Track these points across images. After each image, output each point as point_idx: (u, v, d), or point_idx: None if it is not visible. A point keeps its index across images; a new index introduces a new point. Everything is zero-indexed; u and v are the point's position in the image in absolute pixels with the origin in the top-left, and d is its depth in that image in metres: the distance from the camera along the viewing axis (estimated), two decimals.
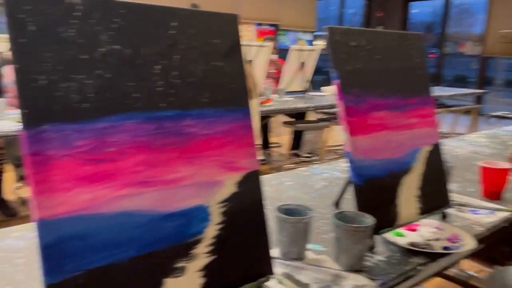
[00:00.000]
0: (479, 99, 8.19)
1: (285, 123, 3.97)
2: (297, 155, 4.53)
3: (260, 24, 7.72)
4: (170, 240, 0.65)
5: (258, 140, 4.64)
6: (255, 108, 2.18)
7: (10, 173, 3.04)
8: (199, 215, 0.68)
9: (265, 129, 4.55)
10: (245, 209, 0.75)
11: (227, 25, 0.75)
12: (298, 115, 4.34)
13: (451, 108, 4.69)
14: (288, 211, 0.95)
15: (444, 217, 1.17)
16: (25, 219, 2.73)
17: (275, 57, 4.51)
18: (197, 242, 0.68)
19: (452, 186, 1.44)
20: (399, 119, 1.06)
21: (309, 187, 1.43)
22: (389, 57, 1.07)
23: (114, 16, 0.61)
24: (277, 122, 4.79)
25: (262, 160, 4.52)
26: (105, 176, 0.59)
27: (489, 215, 1.20)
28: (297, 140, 4.53)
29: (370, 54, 1.03)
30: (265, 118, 4.31)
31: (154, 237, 0.63)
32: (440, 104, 5.26)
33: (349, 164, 0.96)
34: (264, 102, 3.62)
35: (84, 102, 0.57)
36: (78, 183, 0.56)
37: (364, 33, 1.03)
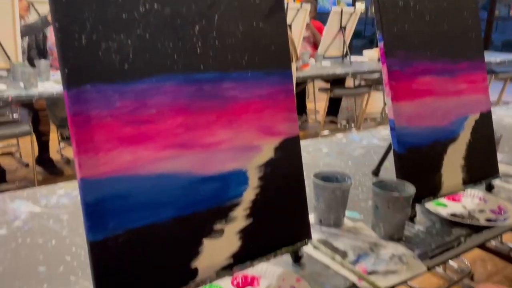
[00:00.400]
0: None
1: (321, 89, 3.89)
2: (334, 122, 4.46)
3: None
4: (208, 202, 0.65)
5: None
6: (293, 72, 2.13)
7: (54, 134, 3.17)
8: (237, 179, 0.68)
9: (302, 95, 4.48)
10: (283, 174, 0.74)
11: None
12: (336, 81, 4.24)
13: (500, 75, 4.43)
14: (326, 177, 0.94)
15: (489, 188, 1.12)
16: (70, 177, 2.86)
17: (307, 19, 4.35)
18: (235, 205, 0.68)
19: (499, 156, 1.37)
20: (447, 85, 1.01)
21: (347, 154, 1.41)
22: (439, 18, 1.01)
23: None
24: (315, 87, 4.70)
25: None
26: (145, 138, 0.59)
27: None
28: (335, 106, 4.44)
29: (419, 15, 0.97)
30: (301, 83, 4.23)
31: (193, 199, 0.64)
32: (488, 70, 4.98)
33: (391, 132, 0.93)
34: (302, 67, 3.54)
35: (124, 62, 0.57)
36: (119, 144, 0.57)
37: None
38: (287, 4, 3.49)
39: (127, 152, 0.57)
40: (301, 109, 4.54)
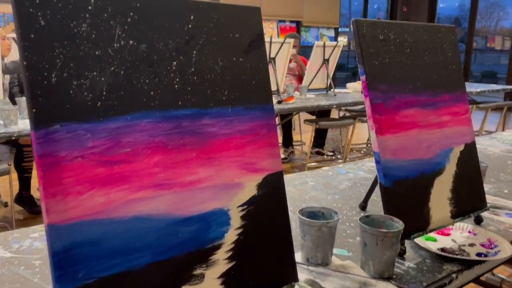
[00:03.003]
0: (509, 95, 7.91)
1: (307, 120, 3.91)
2: (320, 153, 4.47)
3: (282, 21, 7.65)
4: (187, 245, 0.61)
5: (280, 138, 4.59)
6: None
7: (35, 171, 3.09)
8: (218, 219, 0.65)
9: (288, 127, 4.50)
10: (267, 212, 0.71)
11: (249, 18, 0.71)
12: (322, 113, 4.27)
13: (481, 105, 4.52)
14: (312, 214, 0.91)
15: (478, 220, 1.10)
16: None
17: (293, 51, 4.44)
18: (217, 247, 0.64)
19: (486, 187, 1.37)
20: (430, 117, 1.00)
21: (333, 187, 1.38)
22: (419, 51, 1.01)
23: (129, 10, 0.58)
24: (300, 119, 4.73)
25: (284, 158, 4.48)
26: (120, 178, 0.56)
27: None
28: (320, 138, 4.46)
29: (399, 48, 0.97)
30: (287, 116, 4.26)
31: (171, 243, 0.60)
32: (470, 100, 5.09)
33: (376, 165, 0.91)
34: (286, 100, 3.57)
35: (97, 100, 0.54)
36: (91, 186, 0.53)
37: (393, 25, 0.98)
38: (271, 37, 3.55)
39: (99, 194, 0.54)
40: (288, 141, 4.55)
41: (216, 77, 0.67)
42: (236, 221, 0.67)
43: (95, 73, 0.54)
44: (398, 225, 0.85)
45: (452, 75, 1.07)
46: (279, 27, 7.58)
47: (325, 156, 4.38)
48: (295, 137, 4.86)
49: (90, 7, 0.55)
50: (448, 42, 1.08)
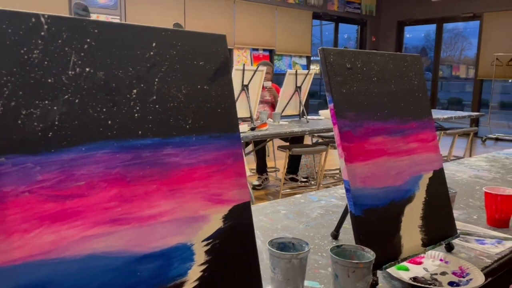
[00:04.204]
0: (475, 121, 8.20)
1: (280, 147, 3.92)
2: (294, 180, 4.46)
3: (255, 49, 7.77)
4: (147, 284, 0.57)
5: (252, 165, 4.57)
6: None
7: None
8: (181, 255, 0.61)
9: (262, 153, 4.49)
10: (234, 245, 0.68)
11: (214, 45, 0.70)
12: (295, 139, 4.30)
13: (448, 131, 4.65)
14: (282, 245, 0.88)
15: (449, 248, 1.09)
16: None
17: (268, 84, 4.51)
18: (179, 285, 0.61)
19: (455, 213, 1.37)
20: (399, 144, 1.01)
21: (305, 215, 1.36)
22: (386, 79, 1.02)
23: (86, 36, 0.55)
24: (274, 146, 4.74)
25: (258, 185, 4.44)
26: (72, 214, 0.52)
27: (496, 245, 1.13)
28: (294, 164, 4.47)
29: (366, 76, 0.98)
30: (261, 142, 4.26)
31: (129, 282, 0.56)
32: (437, 127, 5.23)
33: (346, 193, 0.89)
34: (260, 127, 3.57)
35: (48, 130, 0.51)
36: (39, 223, 0.49)
37: (359, 54, 0.99)
38: (244, 65, 3.58)
39: (49, 232, 0.50)
40: (262, 167, 4.53)
41: (179, 105, 0.64)
42: (200, 256, 0.63)
43: (46, 102, 0.51)
44: (370, 255, 0.83)
45: (419, 103, 1.08)
46: (253, 55, 7.69)
47: (299, 182, 4.37)
48: (270, 163, 4.85)
49: (43, 33, 0.52)
50: (414, 70, 1.10)
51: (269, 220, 1.31)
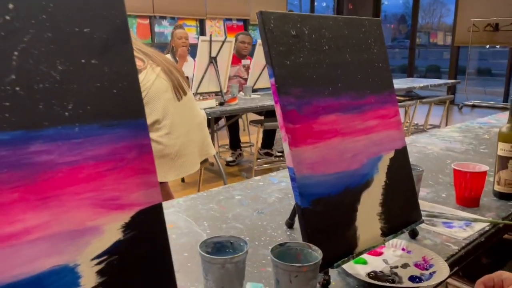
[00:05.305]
0: (452, 89, 8.18)
1: (253, 121, 3.78)
2: (269, 154, 4.35)
3: (229, 19, 7.49)
4: None
5: (225, 140, 4.44)
6: (189, 104, 2.00)
7: None
8: (60, 280, 0.48)
9: (234, 128, 4.34)
10: (140, 260, 0.55)
11: (105, 7, 0.55)
12: (270, 113, 4.15)
13: (424, 100, 4.58)
14: (219, 244, 0.76)
15: (413, 234, 0.99)
16: None
17: (247, 62, 4.33)
18: None
19: (423, 192, 1.27)
20: (355, 122, 0.88)
21: (261, 201, 1.24)
22: (340, 47, 0.88)
23: None
24: (248, 120, 4.59)
25: (232, 161, 4.32)
26: None
27: (465, 229, 1.03)
28: (269, 138, 4.34)
29: (315, 45, 0.84)
30: (233, 117, 4.10)
31: None
32: (413, 95, 5.16)
33: (291, 183, 0.77)
34: (229, 101, 3.41)
35: None
36: None
37: (307, 18, 0.84)
38: (211, 36, 3.38)
39: None
40: (235, 143, 4.40)
41: (53, 86, 0.49)
42: (89, 279, 0.50)
43: None
44: (316, 255, 0.71)
45: (379, 74, 0.95)
46: (226, 25, 7.42)
47: (274, 158, 4.27)
48: (244, 138, 4.72)
49: None
50: (373, 37, 0.96)
51: (221, 208, 1.19)
